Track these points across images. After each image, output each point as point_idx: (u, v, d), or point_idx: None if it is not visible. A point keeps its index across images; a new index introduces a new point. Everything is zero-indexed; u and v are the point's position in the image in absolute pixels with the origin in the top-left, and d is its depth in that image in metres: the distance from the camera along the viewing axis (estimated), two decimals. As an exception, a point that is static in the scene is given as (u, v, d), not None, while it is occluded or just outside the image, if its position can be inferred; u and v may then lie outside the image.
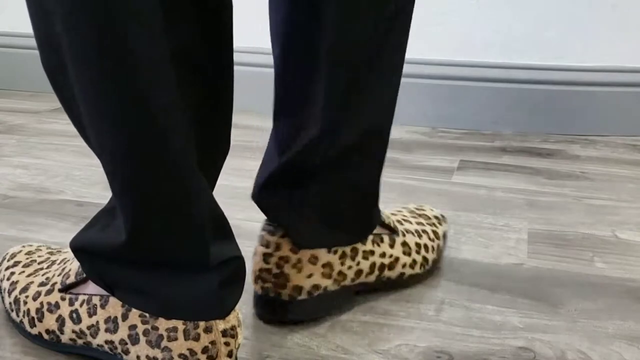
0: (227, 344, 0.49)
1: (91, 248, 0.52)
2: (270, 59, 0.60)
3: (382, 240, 0.65)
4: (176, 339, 0.48)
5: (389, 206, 0.91)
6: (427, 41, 1.34)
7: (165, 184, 0.46)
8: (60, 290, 0.55)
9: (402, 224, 0.69)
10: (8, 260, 0.63)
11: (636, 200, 0.95)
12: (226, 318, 0.49)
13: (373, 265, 0.64)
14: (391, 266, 0.66)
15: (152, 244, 0.48)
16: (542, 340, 0.60)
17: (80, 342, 0.54)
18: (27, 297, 0.58)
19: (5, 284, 0.61)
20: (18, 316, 0.59)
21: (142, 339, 0.49)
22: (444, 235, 0.74)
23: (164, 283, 0.49)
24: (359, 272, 0.64)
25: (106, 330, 0.52)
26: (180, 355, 0.48)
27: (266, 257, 0.60)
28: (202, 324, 0.48)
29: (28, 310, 0.57)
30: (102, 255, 0.51)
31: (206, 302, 0.49)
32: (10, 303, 0.60)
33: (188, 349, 0.48)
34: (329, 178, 0.59)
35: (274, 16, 0.56)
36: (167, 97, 0.43)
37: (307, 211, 0.60)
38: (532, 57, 1.31)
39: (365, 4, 0.53)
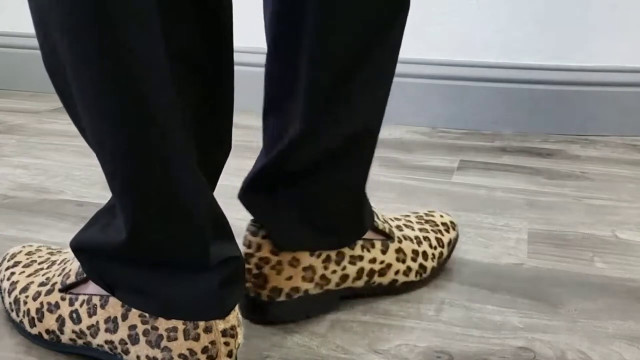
0: (227, 343, 0.49)
1: (91, 247, 0.52)
2: (270, 59, 0.60)
3: (373, 246, 0.64)
4: (176, 339, 0.48)
5: (388, 206, 0.91)
6: (427, 41, 1.34)
7: (166, 183, 0.46)
8: (60, 290, 0.55)
9: (402, 229, 0.68)
10: (8, 261, 0.63)
11: (636, 200, 0.95)
12: (226, 318, 0.49)
13: (361, 270, 0.64)
14: (382, 272, 0.65)
15: (152, 244, 0.48)
16: (542, 340, 0.60)
17: (80, 342, 0.54)
18: (27, 297, 0.58)
19: (6, 284, 0.61)
20: (18, 316, 0.59)
21: (142, 339, 0.49)
22: (450, 243, 0.72)
23: (164, 283, 0.49)
24: (344, 277, 0.63)
25: (106, 330, 0.52)
26: (180, 355, 0.48)
27: (247, 257, 0.60)
28: (202, 324, 0.48)
29: (28, 310, 0.57)
30: (102, 255, 0.51)
31: (206, 302, 0.49)
32: (10, 303, 0.60)
33: (188, 349, 0.48)
34: (311, 181, 0.59)
35: (265, 13, 0.56)
36: (167, 97, 0.43)
37: (288, 213, 0.60)
38: (532, 57, 1.31)
39: (347, 13, 0.51)
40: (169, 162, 0.45)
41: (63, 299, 0.55)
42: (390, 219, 0.70)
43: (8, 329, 0.61)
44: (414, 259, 0.67)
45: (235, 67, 0.51)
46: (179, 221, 0.47)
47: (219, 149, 0.51)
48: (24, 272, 0.61)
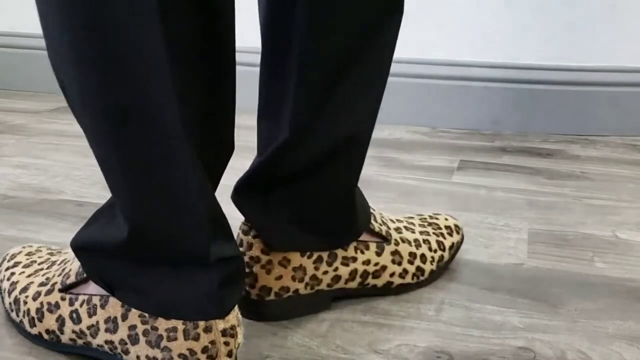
0: (226, 343, 0.49)
1: (92, 246, 0.52)
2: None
3: (367, 248, 0.64)
4: (176, 338, 0.48)
5: (388, 206, 0.91)
6: (427, 41, 1.34)
7: (166, 183, 0.46)
8: (60, 290, 0.55)
9: (401, 232, 0.68)
10: (8, 261, 0.63)
11: (636, 200, 0.95)
12: (226, 318, 0.49)
13: (354, 272, 0.64)
14: (376, 274, 0.65)
15: (152, 243, 0.48)
16: (542, 340, 0.60)
17: (80, 342, 0.54)
18: (27, 297, 0.58)
19: (6, 284, 0.61)
20: (18, 316, 0.59)
21: (142, 339, 0.49)
22: (453, 247, 0.72)
23: (164, 282, 0.49)
24: (336, 278, 0.63)
25: (106, 330, 0.52)
26: (180, 355, 0.48)
27: None
28: (201, 323, 0.48)
29: (28, 310, 0.57)
30: (102, 254, 0.51)
31: (206, 301, 0.49)
32: (10, 303, 0.60)
33: (188, 349, 0.48)
34: (301, 182, 0.59)
35: (260, 12, 0.56)
36: (167, 97, 0.43)
37: (278, 214, 0.60)
38: (532, 57, 1.31)
39: (338, 12, 0.51)
40: (170, 161, 0.45)
41: (63, 299, 0.55)
42: (391, 220, 0.70)
43: (8, 329, 0.61)
44: (410, 262, 0.67)
45: (236, 67, 0.51)
46: (179, 221, 0.47)
47: (220, 148, 0.51)
48: (24, 272, 0.61)
